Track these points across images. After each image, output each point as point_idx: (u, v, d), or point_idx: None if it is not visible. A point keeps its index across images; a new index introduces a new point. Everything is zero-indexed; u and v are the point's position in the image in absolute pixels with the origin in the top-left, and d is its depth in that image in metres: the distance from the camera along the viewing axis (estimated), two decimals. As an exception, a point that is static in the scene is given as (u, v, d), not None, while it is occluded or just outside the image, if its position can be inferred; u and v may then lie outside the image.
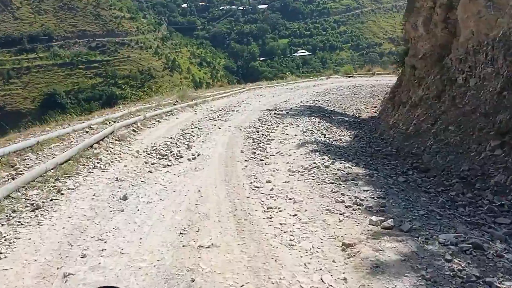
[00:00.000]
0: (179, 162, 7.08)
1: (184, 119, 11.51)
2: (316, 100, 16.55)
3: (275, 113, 13.08)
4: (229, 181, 6.09)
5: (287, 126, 10.69)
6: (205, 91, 19.34)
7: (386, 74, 30.43)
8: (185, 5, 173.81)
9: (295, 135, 9.44)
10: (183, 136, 9.14)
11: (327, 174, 6.00)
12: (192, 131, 9.72)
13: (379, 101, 19.08)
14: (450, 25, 9.54)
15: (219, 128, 10.44)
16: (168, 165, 6.91)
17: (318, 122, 11.51)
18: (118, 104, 15.68)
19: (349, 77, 28.43)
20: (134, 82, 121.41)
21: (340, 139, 9.46)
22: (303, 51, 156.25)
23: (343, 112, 15.01)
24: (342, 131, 10.95)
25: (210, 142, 8.71)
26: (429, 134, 8.08)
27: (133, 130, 9.31)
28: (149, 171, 6.56)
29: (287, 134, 9.54)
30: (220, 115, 12.57)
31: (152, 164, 6.94)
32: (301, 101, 16.12)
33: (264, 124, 10.93)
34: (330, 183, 5.65)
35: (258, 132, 9.73)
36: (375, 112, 15.68)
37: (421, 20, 10.32)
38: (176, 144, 8.35)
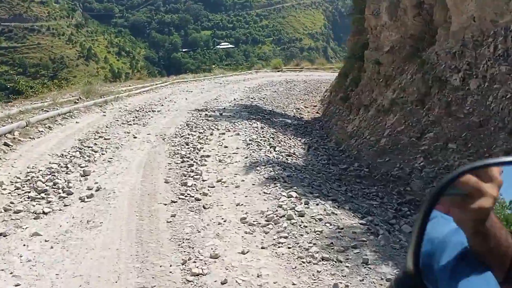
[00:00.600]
0: (64, 206, 4.35)
1: (87, 124, 8.54)
2: (251, 98, 14.24)
3: (206, 114, 10.55)
4: (144, 259, 3.47)
5: (224, 133, 8.27)
6: (120, 84, 16.24)
7: (314, 69, 29.01)
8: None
9: (237, 148, 7.04)
10: (80, 153, 6.34)
11: (307, 234, 3.61)
12: (95, 144, 6.91)
13: (316, 98, 17.28)
14: (425, 12, 7.64)
15: (134, 138, 7.71)
16: (43, 212, 4.17)
17: (261, 127, 9.19)
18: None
19: (279, 71, 26.53)
20: (45, 71, 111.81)
21: (294, 153, 7.22)
22: (226, 43, 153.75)
23: (283, 112, 12.88)
24: (291, 139, 8.76)
25: (119, 163, 5.98)
26: (416, 151, 6.07)
27: (5, 144, 6.31)
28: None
29: (226, 147, 7.11)
30: (136, 117, 9.79)
31: (16, 212, 4.17)
32: (234, 99, 13.72)
33: (195, 131, 8.39)
34: (321, 259, 3.25)
35: (187, 145, 7.16)
36: (317, 112, 13.75)
37: (384, 5, 8.33)
38: (67, 167, 5.57)
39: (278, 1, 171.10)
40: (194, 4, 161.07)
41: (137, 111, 10.54)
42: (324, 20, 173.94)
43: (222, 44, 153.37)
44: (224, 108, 11.72)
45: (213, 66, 26.64)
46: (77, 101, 10.38)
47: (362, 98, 8.56)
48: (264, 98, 14.71)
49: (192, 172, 5.63)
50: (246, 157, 6.37)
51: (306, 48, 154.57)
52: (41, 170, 5.37)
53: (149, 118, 9.76)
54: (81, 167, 5.68)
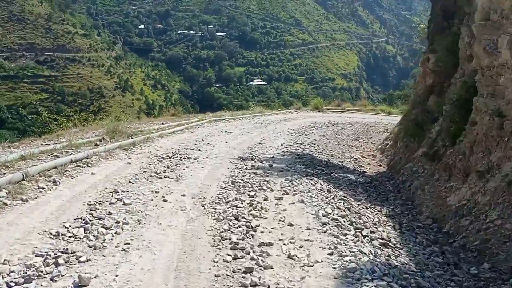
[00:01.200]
0: None
1: (105, 176, 6.45)
2: (300, 144, 12.10)
3: (253, 165, 8.42)
4: None
5: (281, 198, 6.09)
6: (152, 120, 14.41)
7: (356, 111, 26.82)
8: (142, 26, 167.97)
9: (308, 229, 4.81)
10: (85, 229, 4.20)
11: None
12: (109, 213, 4.77)
13: (368, 145, 15.01)
14: None
15: (164, 201, 5.57)
16: None
17: (327, 189, 6.97)
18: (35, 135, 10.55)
19: (319, 111, 24.45)
20: (82, 100, 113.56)
21: (389, 240, 4.95)
22: (259, 80, 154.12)
23: (340, 163, 10.64)
24: (368, 209, 6.51)
25: (138, 256, 3.78)
26: None
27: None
28: None
29: (291, 225, 4.92)
30: (168, 166, 7.71)
31: None
32: (281, 144, 11.60)
33: (243, 192, 6.23)
34: None
35: (237, 220, 4.96)
36: (379, 165, 11.44)
37: (505, 40, 6.12)
38: (57, 264, 3.45)
39: (312, 42, 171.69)
40: (229, 42, 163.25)
41: (170, 157, 8.49)
42: (357, 61, 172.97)
43: (255, 80, 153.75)
44: (273, 157, 9.58)
45: (251, 103, 24.74)
46: (99, 143, 8.41)
47: (471, 160, 6.23)
48: (314, 144, 12.52)
49: (251, 284, 3.40)
50: (331, 253, 4.12)
51: (339, 88, 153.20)
52: (12, 272, 3.26)
53: (184, 169, 7.65)
54: (80, 262, 3.54)
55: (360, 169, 10.49)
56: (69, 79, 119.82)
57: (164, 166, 7.68)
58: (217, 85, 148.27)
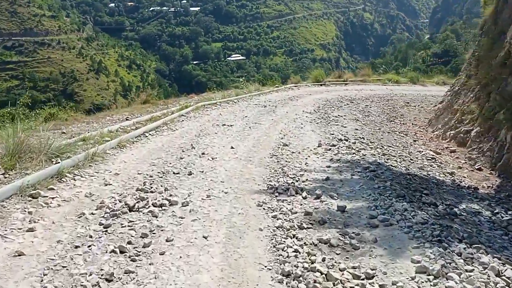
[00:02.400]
0: None
1: None
2: (340, 139, 7.59)
3: (309, 217, 3.94)
4: None
5: None
6: (113, 114, 9.51)
7: (360, 82, 22.37)
8: (112, 4, 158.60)
9: None
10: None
11: None
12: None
13: (415, 128, 10.72)
14: None
15: None
16: None
17: None
18: None
19: (321, 85, 19.92)
20: (55, 85, 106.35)
21: None
22: (237, 55, 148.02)
23: (421, 170, 6.22)
24: None
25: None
26: None
27: None
28: None
29: None
30: (123, 252, 3.14)
31: None
32: (319, 145, 7.06)
33: None
34: None
35: None
36: (477, 167, 7.02)
37: None
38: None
39: (289, 12, 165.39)
40: (204, 17, 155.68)
41: (130, 209, 3.87)
42: (335, 31, 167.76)
43: (233, 56, 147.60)
44: (327, 179, 5.08)
45: (242, 80, 19.98)
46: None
47: None
48: (358, 137, 8.01)
49: None
50: None
51: (318, 58, 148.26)
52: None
53: (159, 259, 3.07)
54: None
55: (460, 181, 6.11)
56: (40, 64, 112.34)
57: (112, 251, 3.07)
58: (194, 62, 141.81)
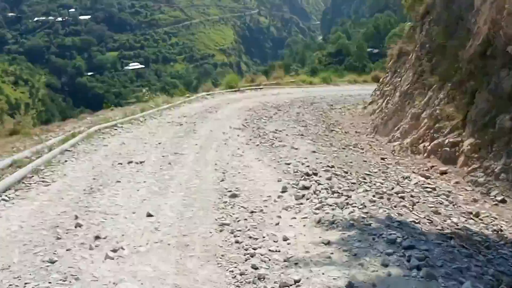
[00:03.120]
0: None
1: None
2: (308, 169, 5.31)
3: None
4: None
5: None
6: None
7: (276, 85, 20.66)
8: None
9: None
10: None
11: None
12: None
13: (376, 145, 8.92)
14: None
15: None
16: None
17: None
18: None
19: (237, 91, 17.77)
20: None
21: None
22: (136, 63, 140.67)
23: (429, 221, 4.12)
24: None
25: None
26: None
27: None
28: None
29: None
30: None
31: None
32: (283, 188, 4.66)
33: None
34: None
35: None
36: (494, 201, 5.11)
37: None
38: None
39: (186, 18, 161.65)
40: (96, 25, 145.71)
41: None
42: (234, 35, 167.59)
43: (132, 64, 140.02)
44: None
45: (146, 91, 16.98)
46: None
47: None
48: (327, 165, 5.76)
49: None
50: None
51: (220, 63, 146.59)
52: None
53: None
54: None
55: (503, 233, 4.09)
56: None
57: None
58: (89, 73, 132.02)
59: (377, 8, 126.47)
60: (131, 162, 5.75)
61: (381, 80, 15.08)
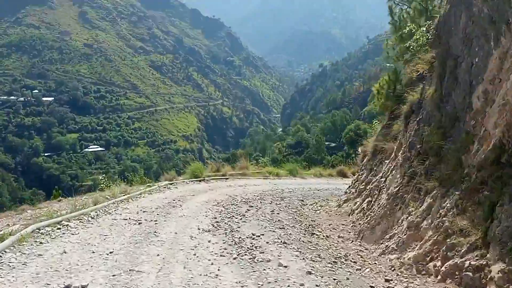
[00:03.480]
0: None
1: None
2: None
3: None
4: None
5: None
6: None
7: (241, 176, 19.58)
8: None
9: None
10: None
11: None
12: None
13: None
14: None
15: None
16: None
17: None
18: None
19: (201, 181, 16.46)
20: None
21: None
22: (96, 146, 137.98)
23: None
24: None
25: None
26: None
27: None
28: None
29: None
30: None
31: None
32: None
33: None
34: None
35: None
36: None
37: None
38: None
39: (151, 105, 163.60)
40: (59, 107, 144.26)
41: None
42: (197, 123, 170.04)
43: (91, 147, 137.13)
44: None
45: (102, 178, 15.33)
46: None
47: None
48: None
49: None
50: None
51: (182, 149, 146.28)
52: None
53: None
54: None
55: None
56: None
57: None
58: (46, 154, 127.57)
59: (334, 105, 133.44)
60: (69, 287, 4.19)
61: (355, 177, 14.26)
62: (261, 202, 12.14)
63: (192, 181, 16.50)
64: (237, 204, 11.28)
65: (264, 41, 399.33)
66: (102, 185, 15.27)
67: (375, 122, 19.14)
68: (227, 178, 18.18)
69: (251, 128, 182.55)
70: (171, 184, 15.33)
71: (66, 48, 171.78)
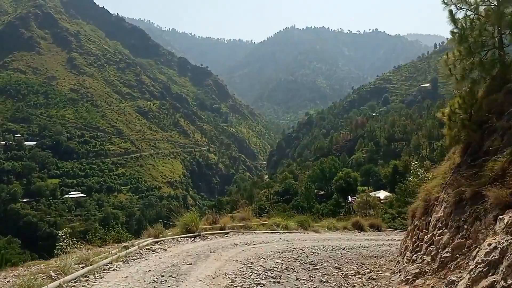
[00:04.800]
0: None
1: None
2: None
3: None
4: None
5: None
6: None
7: (243, 229, 15.35)
8: None
9: None
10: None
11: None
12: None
13: None
14: None
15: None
16: None
17: None
18: None
19: (196, 236, 12.21)
20: None
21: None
22: (77, 192, 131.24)
23: None
24: None
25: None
26: None
27: None
28: None
29: None
30: None
31: None
32: None
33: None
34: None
35: None
36: None
37: None
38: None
39: (136, 150, 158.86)
40: (41, 152, 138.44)
41: None
42: (182, 169, 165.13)
43: (72, 193, 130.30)
44: None
45: (63, 235, 10.87)
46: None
47: None
48: None
49: None
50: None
51: (166, 196, 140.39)
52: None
53: None
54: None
55: None
56: None
57: None
58: (24, 200, 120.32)
59: (321, 152, 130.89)
60: None
61: (411, 237, 10.21)
62: (289, 274, 8.02)
63: (185, 237, 12.26)
64: (261, 281, 7.14)
65: (251, 90, 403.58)
66: (62, 244, 10.99)
67: (415, 164, 15.39)
68: (227, 233, 14.00)
69: (237, 174, 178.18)
70: (157, 242, 11.06)
71: (52, 93, 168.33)
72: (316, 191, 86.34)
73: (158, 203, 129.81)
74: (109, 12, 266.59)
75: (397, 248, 10.62)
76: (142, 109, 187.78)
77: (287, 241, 13.42)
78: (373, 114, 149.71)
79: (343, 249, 12.60)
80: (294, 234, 15.80)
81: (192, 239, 12.17)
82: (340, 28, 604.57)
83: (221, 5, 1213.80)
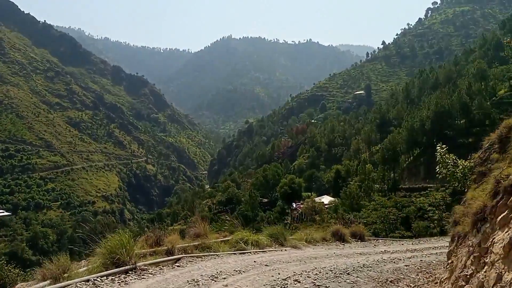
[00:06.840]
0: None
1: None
2: None
3: None
4: None
5: None
6: None
7: (203, 251, 10.17)
8: None
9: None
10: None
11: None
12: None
13: None
14: None
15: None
16: None
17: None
18: None
19: (129, 272, 6.94)
20: None
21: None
22: (1, 211, 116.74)
23: None
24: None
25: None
26: None
27: None
28: None
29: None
30: None
31: None
32: None
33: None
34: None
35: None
36: None
37: None
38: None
39: (67, 164, 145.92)
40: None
41: None
42: (118, 182, 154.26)
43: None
44: None
45: None
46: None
47: None
48: None
49: None
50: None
51: (101, 211, 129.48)
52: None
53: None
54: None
55: None
56: None
57: None
58: None
59: (263, 160, 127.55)
60: None
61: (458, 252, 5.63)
62: None
63: (108, 275, 6.80)
64: None
65: (189, 99, 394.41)
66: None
67: (442, 150, 11.17)
68: (178, 259, 8.70)
69: (177, 185, 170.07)
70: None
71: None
72: (260, 199, 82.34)
73: (92, 219, 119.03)
74: (35, 18, 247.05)
75: (406, 266, 9.03)
76: (73, 120, 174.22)
77: (267, 265, 8.63)
78: (313, 120, 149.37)
79: (348, 274, 8.23)
80: (270, 254, 10.90)
81: (121, 278, 6.82)
82: (276, 39, 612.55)
83: (156, 14, 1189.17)
